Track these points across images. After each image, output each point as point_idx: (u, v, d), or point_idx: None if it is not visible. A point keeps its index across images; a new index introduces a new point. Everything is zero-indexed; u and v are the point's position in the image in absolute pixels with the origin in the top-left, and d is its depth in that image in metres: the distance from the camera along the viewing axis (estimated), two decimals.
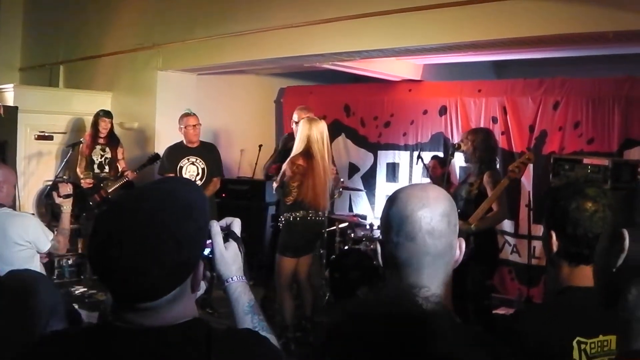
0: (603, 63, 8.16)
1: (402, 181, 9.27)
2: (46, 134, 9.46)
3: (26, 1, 12.10)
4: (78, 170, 8.46)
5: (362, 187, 9.77)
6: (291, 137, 7.19)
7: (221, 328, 1.74)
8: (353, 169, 10.05)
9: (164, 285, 1.59)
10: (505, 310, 7.29)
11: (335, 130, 10.12)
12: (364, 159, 9.92)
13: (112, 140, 8.61)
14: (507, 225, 8.35)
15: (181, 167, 7.69)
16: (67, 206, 5.05)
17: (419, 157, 7.83)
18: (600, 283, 1.36)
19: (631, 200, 1.26)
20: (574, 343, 2.15)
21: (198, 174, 7.70)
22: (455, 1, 6.15)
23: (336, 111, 10.16)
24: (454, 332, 1.10)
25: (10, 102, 9.14)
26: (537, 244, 7.39)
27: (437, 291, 1.77)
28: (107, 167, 8.47)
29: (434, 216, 1.79)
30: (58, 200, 5.04)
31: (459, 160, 7.62)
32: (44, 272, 4.98)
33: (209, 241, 1.88)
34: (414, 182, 8.84)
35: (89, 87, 10.27)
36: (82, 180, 8.25)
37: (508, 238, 8.36)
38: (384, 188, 9.47)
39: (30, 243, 4.66)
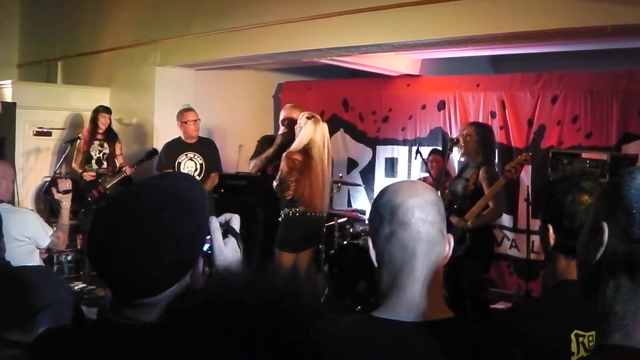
0: (601, 57, 8.16)
1: (401, 176, 9.28)
2: (44, 130, 9.45)
3: None
4: (74, 165, 8.45)
5: (360, 182, 9.78)
6: (269, 138, 7.50)
7: None
8: (352, 164, 10.06)
9: (164, 281, 1.60)
10: (503, 304, 7.31)
11: (333, 125, 10.12)
12: (362, 154, 9.93)
13: (110, 136, 8.61)
14: (505, 219, 8.36)
15: (179, 163, 7.71)
16: (66, 202, 5.06)
17: (417, 152, 7.84)
18: (580, 275, 1.36)
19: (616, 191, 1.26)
20: (572, 336, 2.17)
21: (196, 170, 7.72)
22: None
23: (334, 106, 10.17)
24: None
25: (8, 98, 9.13)
26: (536, 239, 7.38)
27: (426, 285, 1.79)
28: (105, 163, 8.46)
29: (425, 204, 1.79)
30: (57, 195, 5.04)
31: (457, 155, 7.61)
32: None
33: (207, 237, 1.88)
34: (412, 177, 8.85)
35: (87, 83, 10.26)
36: (84, 174, 8.25)
37: (507, 232, 8.37)
38: (382, 183, 9.46)
39: (29, 239, 4.66)
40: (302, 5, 7.38)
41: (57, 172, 8.39)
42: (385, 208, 1.81)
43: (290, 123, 7.06)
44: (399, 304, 1.78)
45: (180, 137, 7.83)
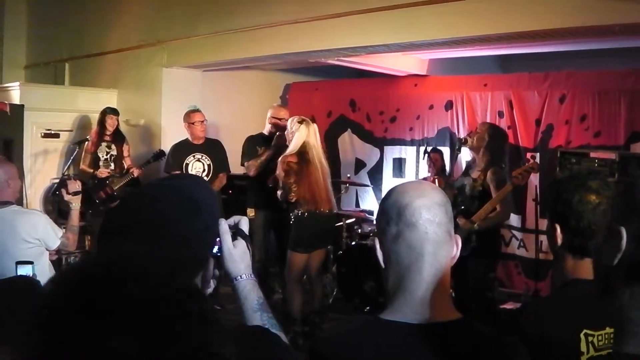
0: (609, 56, 8.14)
1: (409, 176, 9.27)
2: (52, 132, 9.47)
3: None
4: (83, 166, 8.46)
5: (368, 183, 9.77)
6: (255, 137, 7.64)
7: (231, 325, 1.74)
8: (359, 165, 10.06)
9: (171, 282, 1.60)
10: (512, 304, 7.29)
11: (341, 126, 10.14)
12: (370, 154, 9.93)
13: (118, 138, 8.62)
14: (513, 219, 8.34)
15: (187, 164, 7.71)
16: (76, 203, 5.06)
17: (425, 152, 7.82)
18: (598, 278, 1.34)
19: (630, 194, 1.24)
20: (581, 335, 2.17)
21: (204, 171, 7.72)
22: None
23: (342, 106, 10.17)
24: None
25: (16, 100, 9.15)
26: (544, 238, 7.36)
27: (434, 286, 1.78)
28: (112, 164, 8.47)
29: (433, 204, 1.78)
30: (67, 197, 5.05)
31: (465, 155, 7.60)
32: (52, 269, 5.02)
33: (217, 239, 1.88)
34: (420, 177, 8.84)
35: (94, 85, 10.27)
36: (98, 171, 8.27)
37: (515, 232, 8.36)
38: (390, 183, 9.44)
39: (39, 240, 4.67)
40: (310, 6, 7.38)
41: (66, 173, 8.39)
42: (392, 208, 1.80)
43: (277, 122, 7.46)
44: (406, 305, 1.77)
45: (187, 139, 7.84)
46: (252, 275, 1.95)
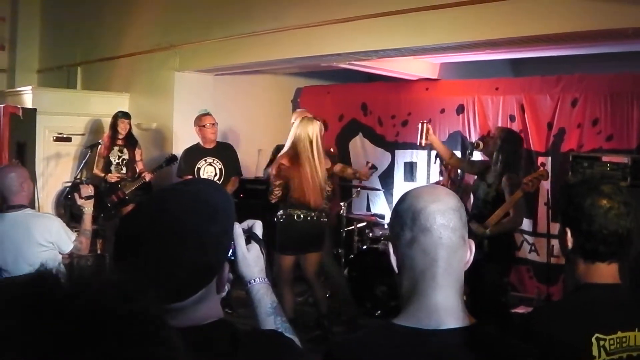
0: (622, 59, 8.10)
1: (420, 180, 9.25)
2: (64, 136, 9.52)
3: (44, 4, 12.18)
4: (96, 170, 8.50)
5: (379, 187, 9.77)
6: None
7: (246, 329, 1.75)
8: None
9: (189, 287, 1.60)
10: (524, 309, 7.27)
11: (352, 130, 10.13)
12: (381, 158, 9.91)
13: (130, 141, 8.65)
14: (525, 223, 8.30)
15: (198, 169, 7.73)
16: (88, 207, 5.09)
17: (437, 156, 7.80)
18: (632, 281, 1.34)
19: None
20: (593, 339, 2.17)
21: (216, 175, 7.74)
22: None
23: (353, 110, 10.16)
24: None
25: (29, 104, 9.20)
26: (556, 243, 7.30)
27: (448, 291, 1.78)
28: (124, 168, 8.50)
29: (447, 209, 1.78)
30: (80, 201, 5.07)
31: (477, 159, 7.59)
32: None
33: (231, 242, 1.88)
34: (431, 181, 8.83)
35: (106, 89, 10.32)
36: (108, 175, 8.30)
37: (526, 237, 8.33)
38: (401, 187, 9.45)
39: (52, 244, 4.69)
40: (321, 10, 7.39)
41: (78, 177, 8.43)
42: (406, 213, 1.80)
43: None
44: (419, 310, 1.77)
45: (198, 143, 7.86)
46: (266, 279, 1.96)
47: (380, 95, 9.92)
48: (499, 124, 8.30)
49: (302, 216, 6.49)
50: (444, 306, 1.76)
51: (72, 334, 0.84)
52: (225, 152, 7.93)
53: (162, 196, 1.76)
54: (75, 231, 5.03)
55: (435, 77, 9.47)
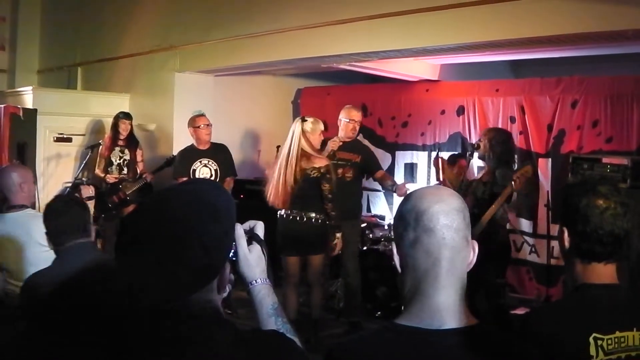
0: (622, 61, 8.11)
1: (420, 181, 9.25)
2: (65, 136, 9.51)
3: (44, 4, 12.19)
4: (97, 171, 8.51)
5: (380, 188, 9.75)
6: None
7: (247, 329, 1.75)
8: None
9: (190, 287, 1.61)
10: (523, 310, 7.27)
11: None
12: (381, 159, 9.84)
13: (132, 142, 8.65)
14: (525, 225, 8.34)
15: (194, 170, 7.73)
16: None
17: (437, 157, 7.81)
18: (631, 282, 1.35)
19: None
20: (591, 339, 2.18)
21: (211, 176, 7.73)
22: (473, 1, 6.14)
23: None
24: None
25: (29, 104, 9.20)
26: (556, 244, 7.33)
27: (450, 291, 1.79)
28: (125, 169, 8.50)
29: (450, 210, 1.79)
30: None
31: (477, 160, 7.59)
32: None
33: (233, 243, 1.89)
34: (432, 182, 8.83)
35: (106, 89, 10.33)
36: (107, 176, 8.31)
37: (527, 238, 8.33)
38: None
39: None
40: (322, 11, 7.39)
41: (78, 178, 8.43)
42: (410, 213, 1.81)
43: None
44: (422, 310, 1.78)
45: (193, 145, 7.85)
46: (267, 280, 1.96)
47: (380, 96, 9.92)
48: (500, 126, 8.31)
49: (292, 215, 6.42)
50: (447, 306, 1.77)
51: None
52: (220, 153, 7.92)
53: (164, 196, 1.77)
54: None
55: (436, 78, 9.47)
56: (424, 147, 9.43)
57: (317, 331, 6.60)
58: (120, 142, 8.57)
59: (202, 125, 7.73)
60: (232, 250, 1.85)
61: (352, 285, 7.27)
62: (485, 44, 6.58)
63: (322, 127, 6.58)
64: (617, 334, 2.20)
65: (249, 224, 1.95)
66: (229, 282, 1.80)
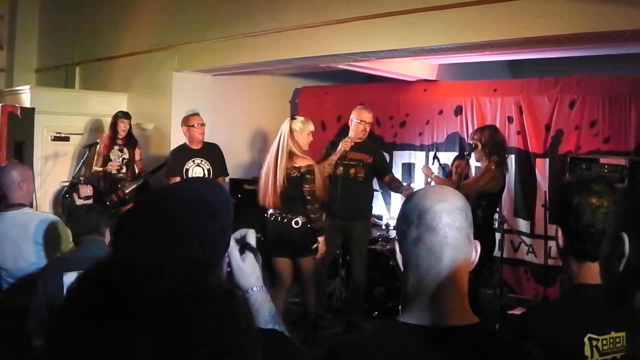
0: (620, 62, 8.12)
1: (418, 181, 9.26)
2: (62, 135, 9.51)
3: (43, 3, 12.18)
4: (95, 168, 8.50)
5: (377, 188, 9.76)
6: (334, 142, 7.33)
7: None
8: None
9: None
10: (521, 310, 7.28)
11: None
12: None
13: (130, 141, 8.65)
14: (523, 225, 8.35)
15: (187, 170, 7.70)
16: None
17: (435, 156, 7.81)
18: (605, 286, 1.35)
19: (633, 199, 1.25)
20: (585, 339, 2.18)
21: (204, 175, 7.71)
22: (471, 1, 6.14)
23: (351, 111, 10.14)
24: None
25: (27, 103, 9.19)
26: (553, 244, 7.32)
27: (452, 290, 1.79)
28: (124, 168, 8.50)
29: (453, 209, 1.80)
30: (79, 201, 5.08)
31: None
32: None
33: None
34: (429, 182, 8.84)
35: (104, 88, 10.33)
36: (110, 164, 8.36)
37: (524, 238, 8.34)
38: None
39: None
40: (320, 11, 7.40)
41: (76, 177, 8.42)
42: (413, 212, 1.82)
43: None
44: (424, 308, 1.79)
45: (185, 144, 7.82)
46: (264, 287, 1.95)
47: (378, 96, 9.91)
48: (497, 126, 8.32)
49: (274, 216, 6.37)
50: (449, 304, 1.78)
51: (192, 335, 0.88)
52: (212, 152, 7.89)
53: (162, 193, 1.78)
54: None
55: (434, 78, 9.47)
56: (421, 147, 9.43)
57: (314, 332, 6.55)
58: (119, 141, 8.57)
59: (196, 125, 7.70)
60: (227, 262, 1.85)
61: (357, 283, 7.23)
62: (483, 43, 6.58)
63: (311, 127, 6.46)
64: (613, 334, 2.20)
65: (240, 232, 1.94)
66: (226, 279, 1.81)
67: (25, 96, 9.44)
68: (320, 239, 6.33)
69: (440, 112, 9.23)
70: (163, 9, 9.58)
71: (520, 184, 8.41)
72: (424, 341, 1.73)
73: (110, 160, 8.45)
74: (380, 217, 9.21)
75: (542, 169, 8.18)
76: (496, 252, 7.69)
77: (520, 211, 8.41)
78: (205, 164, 7.77)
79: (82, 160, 8.56)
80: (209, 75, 9.58)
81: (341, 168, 7.09)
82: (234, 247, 1.86)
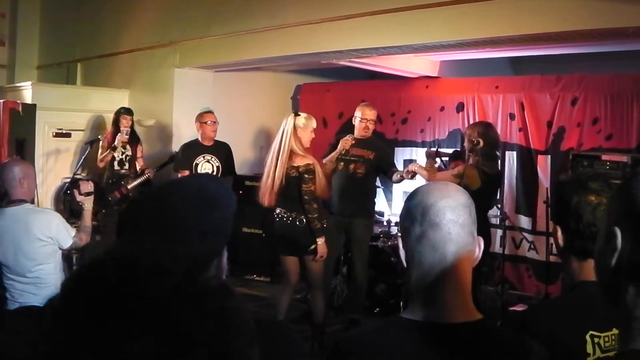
0: (622, 59, 8.10)
1: (419, 178, 9.23)
2: (64, 132, 9.51)
3: (44, 0, 12.17)
4: (99, 160, 8.42)
5: (379, 184, 9.75)
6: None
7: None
8: None
9: (193, 270, 1.62)
10: (522, 307, 7.28)
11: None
12: None
13: (133, 138, 8.62)
14: (524, 222, 8.34)
15: (197, 165, 7.75)
16: (88, 204, 5.08)
17: (437, 153, 7.79)
18: (599, 281, 1.35)
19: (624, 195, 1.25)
20: (587, 337, 2.18)
21: (213, 172, 7.76)
22: None
23: (353, 108, 10.03)
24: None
25: (28, 99, 9.19)
26: None
27: (456, 286, 1.79)
28: (127, 165, 8.49)
29: (457, 205, 1.80)
30: (79, 198, 5.06)
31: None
32: (64, 268, 5.05)
33: None
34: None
35: (106, 85, 10.32)
36: (117, 139, 8.31)
37: (526, 235, 8.33)
38: (401, 185, 9.42)
39: (52, 239, 4.69)
40: (321, 7, 7.40)
41: (78, 173, 8.42)
42: (416, 208, 1.81)
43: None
44: (427, 305, 1.79)
45: (197, 140, 7.90)
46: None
47: (380, 92, 9.90)
48: (499, 122, 8.32)
49: (280, 215, 6.24)
50: (452, 301, 1.78)
51: (189, 335, 0.88)
52: (222, 151, 7.99)
53: (163, 188, 1.79)
54: (75, 227, 5.03)
55: (436, 75, 9.46)
56: (423, 144, 9.42)
57: (322, 337, 6.35)
58: (122, 138, 8.56)
59: (209, 122, 7.81)
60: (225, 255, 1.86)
61: (358, 282, 7.17)
62: (485, 40, 6.58)
63: (314, 124, 6.31)
64: (614, 331, 2.19)
65: None
66: (224, 269, 1.82)
67: (27, 92, 9.44)
68: (320, 240, 6.08)
69: (442, 108, 9.22)
70: (164, 6, 9.58)
71: (522, 180, 8.41)
72: (427, 337, 1.73)
73: (114, 157, 8.43)
74: (381, 214, 9.19)
75: (543, 166, 8.18)
76: (498, 249, 7.70)
77: (522, 208, 8.40)
78: (215, 161, 7.83)
79: (83, 157, 8.54)
80: (210, 71, 9.58)
81: (342, 164, 7.06)
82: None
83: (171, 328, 0.88)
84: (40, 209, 5.40)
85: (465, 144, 6.53)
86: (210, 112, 7.89)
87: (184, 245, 1.58)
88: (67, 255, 5.91)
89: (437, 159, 7.58)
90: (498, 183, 6.95)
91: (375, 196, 7.61)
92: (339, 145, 6.99)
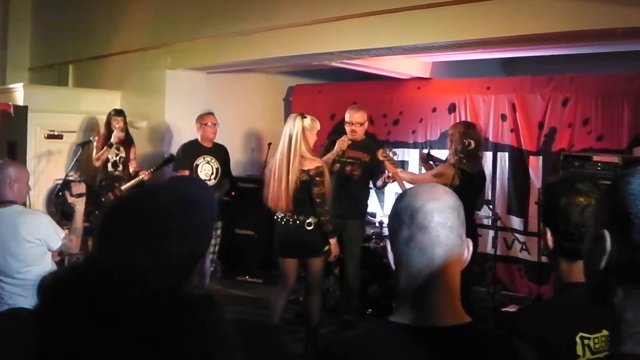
0: (612, 60, 8.13)
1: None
2: (56, 133, 9.50)
3: (35, 1, 12.16)
4: (95, 159, 8.38)
5: (370, 185, 9.75)
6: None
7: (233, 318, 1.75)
8: None
9: (174, 276, 1.62)
10: (514, 307, 7.30)
11: (344, 129, 10.12)
12: None
13: (126, 140, 8.59)
14: (516, 222, 8.36)
15: (197, 165, 7.77)
16: (80, 205, 5.06)
17: (428, 154, 7.80)
18: (588, 284, 1.35)
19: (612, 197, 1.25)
20: (577, 338, 2.18)
21: (212, 173, 7.80)
22: None
23: (345, 109, 10.04)
24: None
25: (20, 101, 9.17)
26: None
27: (444, 289, 1.79)
28: (120, 166, 8.47)
29: (445, 208, 1.78)
30: (70, 199, 5.05)
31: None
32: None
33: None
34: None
35: (98, 86, 10.31)
36: (113, 135, 8.30)
37: (517, 235, 8.35)
38: (393, 186, 9.43)
39: (40, 240, 4.67)
40: (313, 8, 7.40)
41: (70, 175, 8.40)
42: (404, 211, 1.80)
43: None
44: (416, 308, 1.78)
45: (197, 140, 7.91)
46: None
47: (371, 94, 9.91)
48: (491, 123, 8.35)
49: (285, 219, 6.21)
50: (441, 304, 1.77)
51: (171, 345, 0.88)
52: (221, 153, 8.04)
53: (144, 191, 1.80)
54: (67, 229, 5.01)
55: (427, 76, 9.47)
56: (415, 145, 9.44)
57: (315, 339, 6.33)
58: (115, 140, 8.54)
59: (210, 124, 7.86)
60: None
61: (350, 284, 7.15)
62: (476, 41, 6.59)
63: (318, 126, 6.29)
64: (604, 332, 2.19)
65: None
66: (207, 273, 1.83)
67: (19, 94, 9.42)
68: (332, 240, 6.22)
69: (434, 110, 9.23)
70: (156, 7, 9.57)
71: (514, 181, 8.43)
72: (416, 341, 1.72)
73: (108, 158, 8.40)
74: (373, 215, 9.19)
75: (535, 167, 8.19)
76: (490, 250, 7.71)
77: (514, 209, 8.42)
78: (215, 163, 7.87)
79: (75, 159, 8.52)
80: (202, 73, 9.58)
81: (338, 165, 7.05)
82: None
83: (150, 339, 0.88)
84: (29, 210, 5.36)
85: (448, 143, 6.56)
86: (211, 113, 7.93)
87: (162, 245, 1.58)
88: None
89: (430, 162, 7.60)
90: (481, 182, 6.89)
91: (368, 197, 7.61)
92: (336, 146, 6.98)
